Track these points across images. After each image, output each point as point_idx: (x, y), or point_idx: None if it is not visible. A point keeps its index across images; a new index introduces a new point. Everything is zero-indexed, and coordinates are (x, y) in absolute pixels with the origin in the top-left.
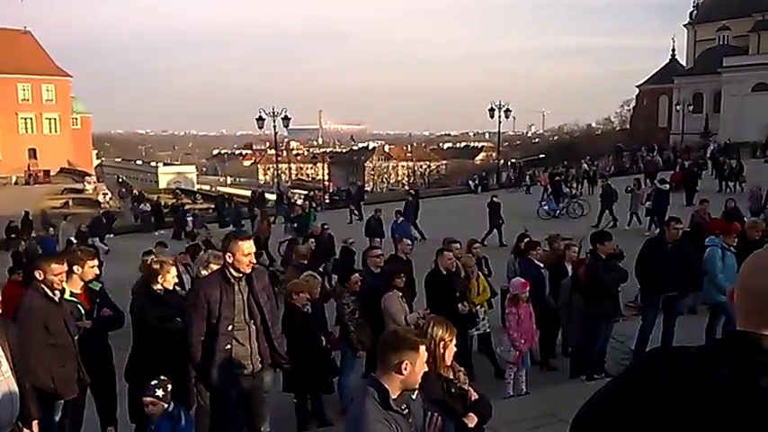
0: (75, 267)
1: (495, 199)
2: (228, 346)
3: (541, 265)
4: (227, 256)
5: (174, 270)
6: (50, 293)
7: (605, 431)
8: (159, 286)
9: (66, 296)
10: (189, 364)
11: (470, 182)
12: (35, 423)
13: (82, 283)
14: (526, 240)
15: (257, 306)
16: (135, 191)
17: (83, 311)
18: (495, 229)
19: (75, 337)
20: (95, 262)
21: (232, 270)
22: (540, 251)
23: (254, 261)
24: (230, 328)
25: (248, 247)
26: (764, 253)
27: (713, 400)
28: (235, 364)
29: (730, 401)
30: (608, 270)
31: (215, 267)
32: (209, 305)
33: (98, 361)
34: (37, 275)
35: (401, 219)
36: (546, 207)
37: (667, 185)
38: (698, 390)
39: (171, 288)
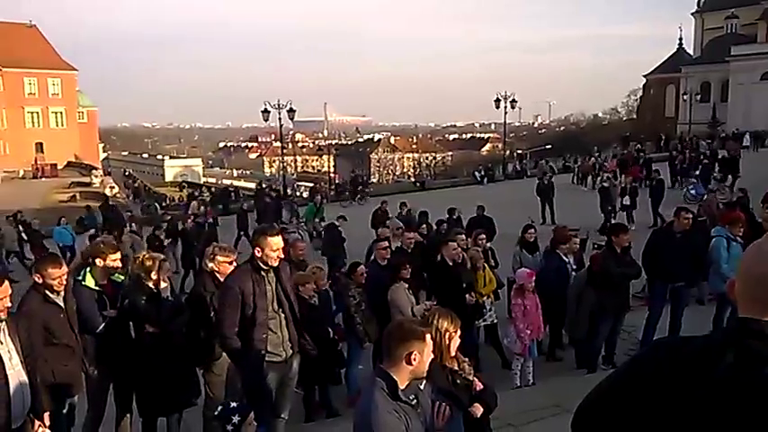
0: (96, 260)
1: (604, 184)
2: (265, 336)
3: (567, 260)
4: (255, 251)
5: (166, 265)
6: (51, 296)
7: (609, 422)
8: (153, 282)
9: (92, 286)
10: (191, 357)
11: (476, 173)
12: (47, 415)
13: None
14: (555, 235)
15: (285, 295)
16: (136, 183)
17: (107, 302)
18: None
19: (103, 326)
20: (117, 255)
21: (260, 263)
22: (569, 246)
23: (282, 256)
24: (265, 317)
25: (277, 242)
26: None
27: (718, 389)
28: (270, 352)
29: (735, 390)
30: (621, 264)
31: (221, 259)
32: (244, 296)
33: (120, 352)
34: (36, 279)
35: (406, 210)
36: (693, 191)
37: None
38: (703, 379)
39: (164, 284)
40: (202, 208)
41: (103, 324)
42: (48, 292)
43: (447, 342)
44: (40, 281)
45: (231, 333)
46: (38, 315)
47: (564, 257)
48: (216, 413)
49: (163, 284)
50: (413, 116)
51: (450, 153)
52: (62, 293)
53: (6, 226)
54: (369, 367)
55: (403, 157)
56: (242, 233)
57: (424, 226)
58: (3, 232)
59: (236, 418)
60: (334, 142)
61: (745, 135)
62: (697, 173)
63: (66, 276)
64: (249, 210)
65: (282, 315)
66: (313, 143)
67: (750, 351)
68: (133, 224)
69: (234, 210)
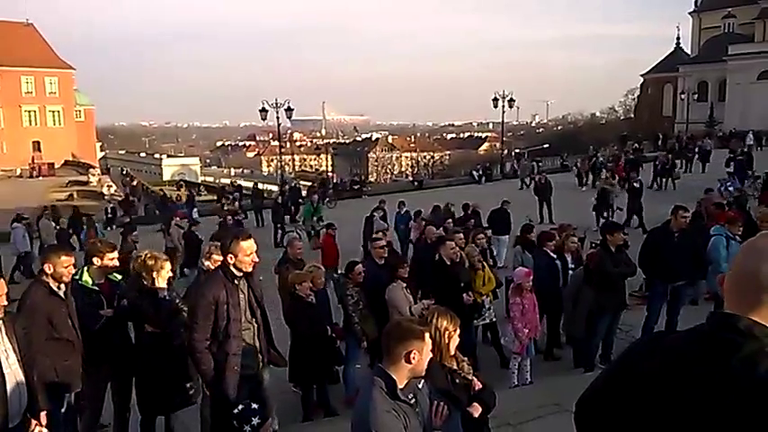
0: (94, 259)
1: (635, 184)
2: (239, 350)
3: (555, 257)
4: (228, 257)
5: (168, 265)
6: (55, 288)
7: (607, 412)
8: (153, 282)
9: (89, 285)
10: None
11: (474, 172)
12: (43, 414)
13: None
14: (541, 232)
15: (257, 303)
16: (134, 182)
17: (104, 301)
18: (634, 215)
19: (100, 324)
20: (115, 254)
21: (234, 270)
22: (554, 243)
23: (256, 260)
24: (239, 329)
25: (250, 246)
26: (759, 239)
27: (694, 379)
28: (244, 365)
29: (706, 380)
30: (617, 263)
31: (217, 258)
32: (218, 307)
33: (118, 351)
34: (46, 268)
35: (404, 209)
36: (731, 188)
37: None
38: (682, 370)
39: (164, 284)
40: (236, 204)
41: (100, 323)
42: (52, 284)
43: (446, 341)
44: (50, 270)
45: (202, 347)
46: (42, 307)
47: (551, 254)
48: (236, 411)
49: (162, 284)
50: (411, 115)
51: (447, 152)
52: (63, 288)
53: (44, 220)
54: (367, 366)
55: (401, 157)
56: (278, 226)
57: (450, 221)
58: (40, 226)
59: (255, 420)
60: (332, 141)
61: (748, 134)
62: (730, 170)
63: (73, 267)
64: (283, 204)
65: (255, 325)
66: (311, 142)
67: (724, 344)
68: (177, 218)
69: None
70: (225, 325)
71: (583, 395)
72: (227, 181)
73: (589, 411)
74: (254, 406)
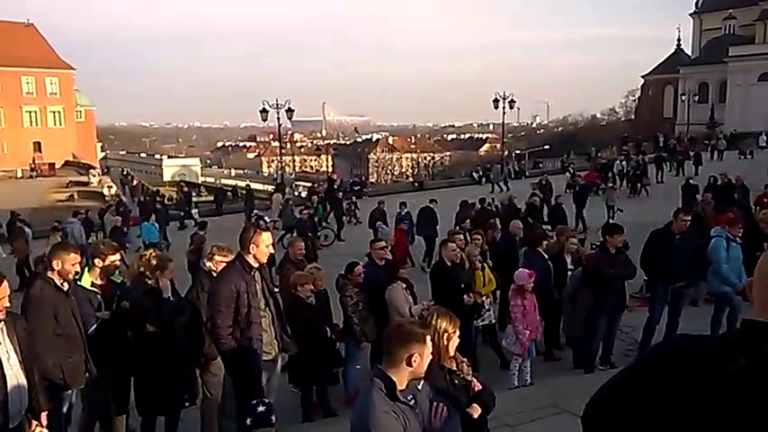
0: (96, 260)
1: (691, 181)
2: (260, 335)
3: (547, 257)
4: (250, 247)
5: (171, 265)
6: (60, 284)
7: (619, 416)
8: (157, 282)
9: (88, 286)
10: (190, 357)
11: (474, 173)
12: (44, 415)
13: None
14: (535, 233)
15: (270, 292)
16: (134, 182)
17: (102, 302)
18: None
19: (93, 327)
20: (117, 256)
21: (252, 260)
22: (546, 243)
23: (272, 251)
24: (259, 316)
25: (268, 237)
26: None
27: (730, 390)
28: (264, 351)
29: (746, 392)
30: (616, 264)
31: (219, 259)
32: (239, 296)
33: (116, 352)
34: (54, 265)
35: (405, 210)
36: None
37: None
38: (715, 379)
39: (168, 284)
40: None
41: (95, 326)
42: (57, 280)
43: (446, 342)
44: (58, 266)
45: (226, 333)
46: (49, 301)
47: (544, 254)
48: (250, 405)
49: (166, 283)
50: (411, 116)
51: (448, 153)
52: (66, 285)
53: (108, 215)
54: (366, 367)
55: (401, 158)
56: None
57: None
58: (105, 221)
59: (261, 408)
60: (332, 142)
61: (761, 135)
62: None
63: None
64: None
65: (270, 313)
66: (311, 143)
67: (762, 354)
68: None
69: (226, 210)
70: (246, 312)
71: (594, 399)
72: (230, 182)
73: (601, 415)
74: (267, 400)
